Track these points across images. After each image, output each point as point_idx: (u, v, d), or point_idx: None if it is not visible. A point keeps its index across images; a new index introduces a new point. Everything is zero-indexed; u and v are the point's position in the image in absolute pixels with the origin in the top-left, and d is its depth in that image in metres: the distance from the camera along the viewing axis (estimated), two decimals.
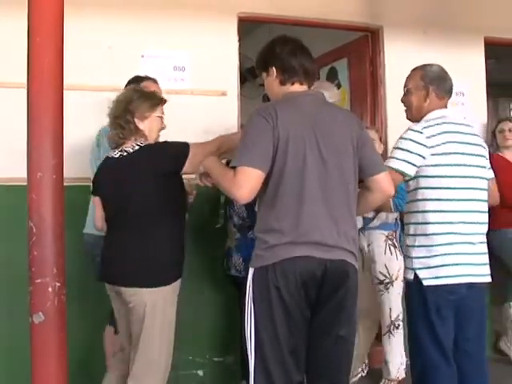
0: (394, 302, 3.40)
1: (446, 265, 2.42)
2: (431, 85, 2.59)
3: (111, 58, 3.46)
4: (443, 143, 2.46)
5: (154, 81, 3.13)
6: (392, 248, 3.43)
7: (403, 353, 3.39)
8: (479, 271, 2.49)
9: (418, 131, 2.48)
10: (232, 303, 3.37)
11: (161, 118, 2.62)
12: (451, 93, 2.66)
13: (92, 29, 3.42)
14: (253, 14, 3.83)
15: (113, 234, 2.58)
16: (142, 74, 3.25)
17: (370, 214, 3.38)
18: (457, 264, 2.43)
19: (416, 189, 2.51)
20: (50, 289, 1.94)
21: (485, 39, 4.31)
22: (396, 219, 3.45)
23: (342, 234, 2.16)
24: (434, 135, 2.47)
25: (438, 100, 2.59)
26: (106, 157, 2.62)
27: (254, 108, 2.24)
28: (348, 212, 2.20)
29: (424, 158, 2.45)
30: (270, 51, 2.32)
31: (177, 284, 2.53)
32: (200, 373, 3.57)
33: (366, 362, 3.64)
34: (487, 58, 4.38)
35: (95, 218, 2.68)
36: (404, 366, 3.41)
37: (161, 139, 2.66)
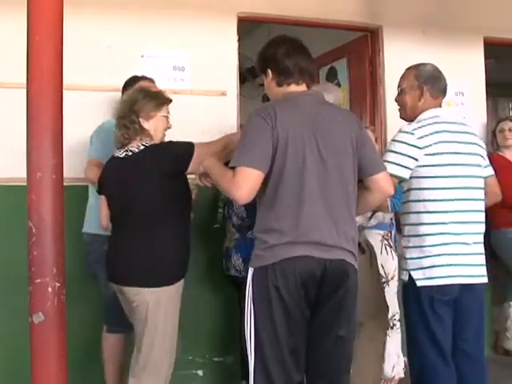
0: (390, 302, 3.40)
1: (439, 265, 2.41)
2: (425, 84, 2.58)
3: (111, 58, 3.46)
4: (435, 143, 2.45)
5: (151, 80, 3.13)
6: (388, 248, 3.43)
7: (400, 353, 3.38)
8: (474, 272, 2.47)
9: (409, 132, 2.48)
10: (231, 303, 3.37)
11: (166, 117, 2.63)
12: (446, 92, 2.64)
13: (92, 29, 3.41)
14: (252, 14, 3.83)
15: (117, 233, 2.59)
16: (141, 73, 3.26)
17: (367, 214, 3.38)
18: (450, 265, 2.42)
19: (409, 190, 2.51)
20: (49, 289, 1.94)
21: (484, 39, 4.31)
22: (391, 219, 3.45)
23: (342, 233, 2.16)
24: (425, 135, 2.46)
25: (432, 99, 2.58)
26: (112, 156, 2.63)
27: (254, 108, 2.24)
28: (347, 212, 2.20)
29: (417, 159, 2.44)
30: (266, 53, 2.32)
31: (180, 284, 2.53)
32: (200, 373, 3.57)
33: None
34: (486, 57, 4.38)
35: (101, 216, 2.70)
36: (402, 366, 3.40)
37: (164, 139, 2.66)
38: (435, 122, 2.51)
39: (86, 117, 3.27)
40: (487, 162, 2.66)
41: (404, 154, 2.45)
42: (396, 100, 2.70)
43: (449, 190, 2.44)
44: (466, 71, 4.20)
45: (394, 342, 3.41)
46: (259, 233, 2.18)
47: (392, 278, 3.39)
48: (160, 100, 2.61)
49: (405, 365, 3.32)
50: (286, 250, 2.10)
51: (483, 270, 2.51)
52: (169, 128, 2.66)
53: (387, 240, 3.44)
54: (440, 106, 2.62)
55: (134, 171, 2.50)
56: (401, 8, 4.11)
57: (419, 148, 2.44)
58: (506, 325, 4.17)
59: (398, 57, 4.02)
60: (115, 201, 2.59)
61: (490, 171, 2.68)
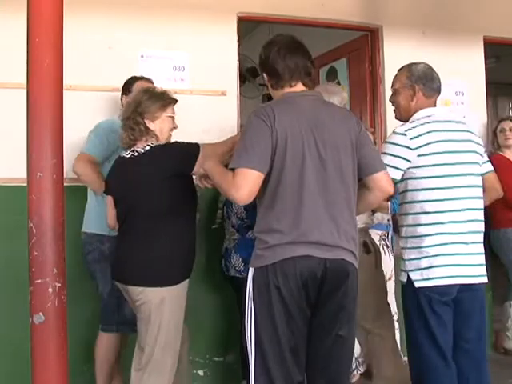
0: (389, 302, 3.39)
1: (437, 266, 2.40)
2: (417, 84, 2.56)
3: (111, 58, 3.46)
4: (428, 143, 2.43)
5: (149, 81, 3.14)
6: (385, 248, 3.44)
7: (400, 353, 3.38)
8: (473, 272, 2.44)
9: (401, 133, 2.46)
10: (232, 303, 3.37)
11: (172, 117, 2.64)
12: (439, 91, 2.62)
13: (92, 29, 3.41)
14: (252, 14, 3.83)
15: (123, 233, 2.61)
16: (142, 74, 3.26)
17: (372, 213, 3.38)
18: (448, 265, 2.40)
19: (405, 191, 2.50)
20: (50, 289, 1.94)
21: (484, 38, 4.31)
22: (388, 220, 3.45)
23: (342, 233, 2.16)
24: (418, 135, 2.44)
25: (425, 99, 2.57)
26: (119, 156, 2.65)
27: (253, 109, 2.24)
28: (347, 211, 2.19)
29: (409, 160, 2.43)
30: (261, 57, 2.32)
31: (185, 284, 2.55)
32: (200, 373, 3.57)
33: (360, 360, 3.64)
34: (487, 57, 4.38)
35: (108, 216, 2.72)
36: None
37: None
38: (429, 122, 2.49)
39: (86, 117, 3.27)
40: (485, 158, 2.63)
41: (396, 156, 2.44)
42: (390, 101, 2.70)
43: (445, 190, 2.42)
44: (466, 71, 4.20)
45: None
46: (259, 233, 2.18)
47: (389, 279, 3.40)
48: (165, 100, 2.62)
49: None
50: (286, 250, 2.10)
51: (483, 270, 2.48)
52: (175, 128, 2.67)
53: (384, 240, 3.45)
54: (434, 104, 2.60)
55: (140, 172, 2.52)
56: (401, 7, 4.12)
57: (411, 149, 2.43)
58: (506, 324, 4.17)
59: (397, 56, 4.01)
60: (121, 201, 2.61)
61: (489, 167, 2.65)
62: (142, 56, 3.55)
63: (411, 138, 2.44)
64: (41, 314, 1.93)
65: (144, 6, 3.52)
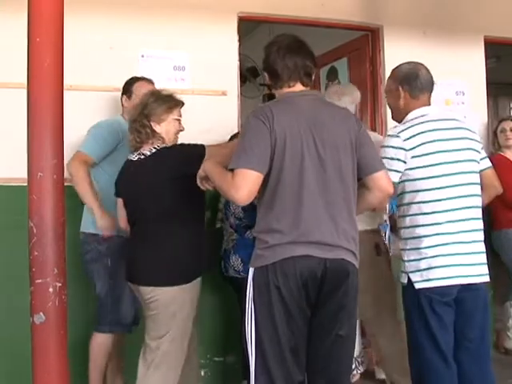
0: None
1: (435, 267, 2.39)
2: (402, 85, 2.56)
3: (111, 58, 3.46)
4: (422, 143, 2.42)
5: (149, 81, 3.14)
6: None
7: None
8: (473, 271, 2.43)
9: (395, 135, 2.46)
10: (232, 303, 3.37)
11: (178, 120, 2.67)
12: (428, 89, 2.57)
13: (92, 29, 3.42)
14: (253, 14, 3.84)
15: (134, 234, 2.67)
16: (142, 74, 3.26)
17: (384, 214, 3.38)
18: (447, 266, 2.39)
19: (402, 193, 2.49)
20: (50, 289, 1.94)
21: (485, 38, 4.31)
22: (385, 220, 3.45)
23: (341, 233, 2.16)
24: (412, 136, 2.43)
25: (412, 99, 2.55)
26: (127, 160, 2.68)
27: (253, 109, 2.24)
28: (347, 211, 2.19)
29: (405, 162, 2.43)
30: (264, 56, 2.32)
31: (195, 283, 2.57)
32: (201, 373, 3.57)
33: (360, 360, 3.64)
34: (487, 57, 4.38)
35: (119, 218, 2.76)
36: None
37: None
38: (422, 122, 2.48)
39: (86, 117, 3.27)
40: (483, 154, 2.61)
41: (392, 158, 2.44)
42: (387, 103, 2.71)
43: (442, 190, 2.41)
44: (466, 70, 4.20)
45: None
46: (259, 233, 2.18)
47: None
48: (171, 103, 2.64)
49: None
50: (286, 250, 2.10)
51: (484, 269, 2.47)
52: (181, 130, 2.70)
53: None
54: (428, 104, 2.57)
55: (147, 174, 2.55)
56: (401, 7, 4.12)
57: (406, 150, 2.42)
58: (507, 324, 4.17)
59: (398, 56, 3.96)
60: (130, 203, 2.66)
61: (487, 163, 2.63)
62: (142, 56, 3.55)
63: (405, 139, 2.44)
64: (41, 313, 1.93)
65: (144, 6, 3.52)
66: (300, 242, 2.10)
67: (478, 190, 2.51)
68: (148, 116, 2.59)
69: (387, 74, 4.03)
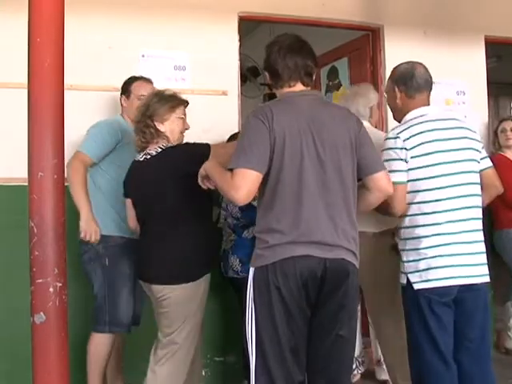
0: None
1: (434, 267, 2.39)
2: (398, 85, 2.55)
3: (112, 58, 3.46)
4: (421, 143, 2.42)
5: (148, 80, 3.14)
6: None
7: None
8: (473, 272, 2.42)
9: (395, 137, 2.46)
10: (232, 303, 3.37)
11: (182, 118, 2.69)
12: (426, 89, 2.55)
13: (93, 29, 3.41)
14: (253, 14, 3.83)
15: (143, 234, 2.71)
16: (143, 73, 3.26)
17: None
18: (446, 266, 2.38)
19: None
20: (51, 289, 1.94)
21: (485, 38, 4.31)
22: None
23: (341, 233, 2.16)
24: (411, 136, 2.43)
25: (408, 99, 2.54)
26: (133, 160, 2.72)
27: (252, 109, 2.24)
28: (346, 211, 2.19)
29: (406, 161, 2.43)
30: (265, 56, 2.32)
31: (204, 280, 2.63)
32: (202, 373, 3.56)
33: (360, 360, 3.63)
34: (488, 56, 4.38)
35: (128, 219, 2.80)
36: None
37: None
38: (421, 122, 2.47)
39: (87, 116, 3.27)
40: (483, 154, 2.59)
41: (396, 159, 2.43)
42: None
43: (442, 190, 2.40)
44: (467, 70, 4.20)
45: None
46: (260, 233, 2.18)
47: None
48: (174, 102, 2.67)
49: None
50: (286, 250, 2.10)
51: (484, 270, 2.46)
52: (186, 129, 2.73)
53: None
54: (427, 103, 2.56)
55: (153, 173, 2.59)
56: (402, 7, 4.11)
57: (407, 149, 2.42)
58: (508, 324, 4.17)
59: (399, 56, 3.95)
60: (138, 203, 2.70)
61: (488, 163, 2.60)
62: (142, 56, 3.55)
63: (405, 140, 2.43)
64: (42, 313, 1.93)
65: (144, 6, 3.52)
66: (300, 241, 2.10)
67: (478, 189, 2.50)
68: (151, 116, 2.62)
69: (388, 73, 4.02)
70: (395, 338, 2.94)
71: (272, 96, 2.38)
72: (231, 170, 2.12)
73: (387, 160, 2.44)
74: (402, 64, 2.61)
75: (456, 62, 4.11)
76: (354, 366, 3.56)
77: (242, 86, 3.90)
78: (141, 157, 2.66)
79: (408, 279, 2.45)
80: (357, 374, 3.58)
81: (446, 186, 2.41)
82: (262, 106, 2.32)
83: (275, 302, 2.10)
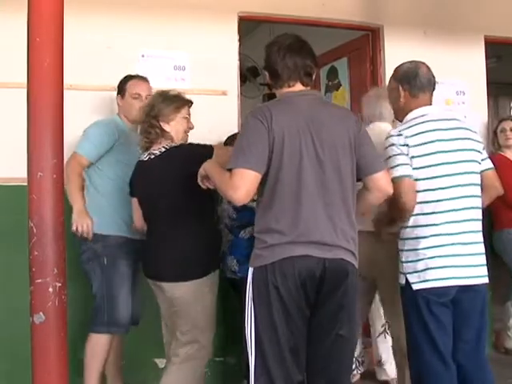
0: None
1: (432, 268, 2.38)
2: (401, 84, 2.54)
3: (111, 58, 3.46)
4: (423, 143, 2.42)
5: (143, 79, 3.15)
6: None
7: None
8: (472, 273, 2.42)
9: (396, 135, 2.45)
10: (232, 303, 3.37)
11: (186, 118, 2.72)
12: (429, 88, 2.55)
13: (92, 29, 3.41)
14: (253, 14, 3.83)
15: (149, 232, 2.74)
16: (143, 73, 3.26)
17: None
18: (444, 267, 2.38)
19: None
20: (50, 289, 1.94)
21: (485, 38, 4.31)
22: None
23: (340, 233, 2.15)
24: (413, 135, 2.43)
25: (411, 98, 2.53)
26: (138, 160, 2.74)
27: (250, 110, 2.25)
28: (346, 211, 2.19)
29: (410, 157, 2.42)
30: (265, 56, 2.32)
31: (211, 277, 2.64)
32: None
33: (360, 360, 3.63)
34: (487, 56, 4.38)
35: (134, 218, 2.82)
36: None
37: None
38: (422, 122, 2.46)
39: (86, 116, 3.27)
40: (484, 155, 2.59)
41: (398, 154, 2.42)
42: None
43: (442, 190, 2.40)
44: (466, 70, 4.20)
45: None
46: (259, 233, 2.18)
47: None
48: (178, 102, 2.70)
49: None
50: (285, 250, 2.10)
51: (483, 271, 2.46)
52: (191, 129, 2.75)
53: None
54: (429, 103, 2.55)
55: (158, 173, 2.61)
56: (402, 7, 4.11)
57: (409, 146, 2.42)
58: (507, 324, 4.17)
59: (398, 56, 3.95)
60: (144, 202, 2.73)
61: (488, 164, 2.60)
62: (142, 56, 3.55)
63: (407, 137, 2.43)
64: (41, 313, 1.93)
65: (144, 6, 3.52)
66: (299, 241, 2.10)
67: (478, 190, 2.50)
68: (156, 116, 2.64)
69: (387, 73, 4.07)
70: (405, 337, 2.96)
71: (272, 96, 2.38)
72: (230, 170, 2.11)
73: (391, 155, 2.44)
74: (405, 63, 2.60)
75: (456, 62, 4.11)
76: (353, 366, 3.56)
77: (241, 86, 3.90)
78: (145, 157, 2.69)
79: (407, 279, 2.45)
80: (356, 374, 3.57)
81: (449, 187, 2.41)
82: (260, 106, 2.31)
83: (274, 301, 2.09)
